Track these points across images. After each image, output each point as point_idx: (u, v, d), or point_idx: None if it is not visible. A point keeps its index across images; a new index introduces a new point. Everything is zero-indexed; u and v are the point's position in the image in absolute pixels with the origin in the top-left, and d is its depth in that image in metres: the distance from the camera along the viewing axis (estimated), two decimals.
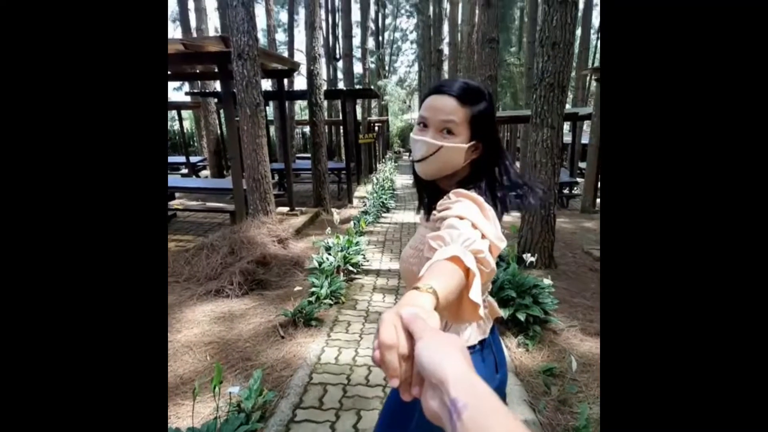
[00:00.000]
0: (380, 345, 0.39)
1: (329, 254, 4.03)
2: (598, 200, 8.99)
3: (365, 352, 2.71)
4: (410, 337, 0.40)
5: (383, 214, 7.65)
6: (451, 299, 0.53)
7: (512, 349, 2.69)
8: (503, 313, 2.82)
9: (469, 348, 0.89)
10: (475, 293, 0.56)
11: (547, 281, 2.88)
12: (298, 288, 3.26)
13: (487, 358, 0.92)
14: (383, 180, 9.72)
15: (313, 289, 3.38)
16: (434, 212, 0.80)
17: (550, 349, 2.69)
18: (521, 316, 2.76)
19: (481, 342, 0.91)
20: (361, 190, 10.43)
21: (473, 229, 0.67)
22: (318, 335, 2.92)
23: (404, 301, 0.47)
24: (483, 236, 0.68)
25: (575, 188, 9.69)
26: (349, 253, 4.16)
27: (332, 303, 3.40)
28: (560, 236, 4.48)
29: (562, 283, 3.74)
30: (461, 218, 0.69)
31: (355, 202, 8.78)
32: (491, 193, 0.85)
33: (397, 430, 0.97)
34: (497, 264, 0.79)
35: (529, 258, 3.00)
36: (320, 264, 3.82)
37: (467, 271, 0.57)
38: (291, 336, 2.91)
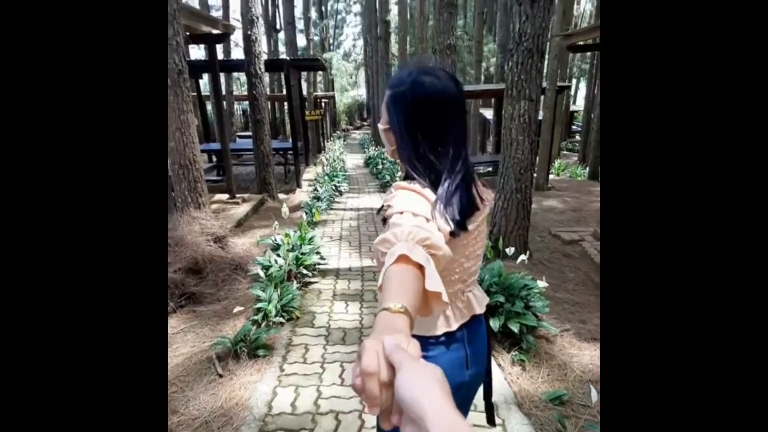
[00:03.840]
0: (362, 372, 0.37)
1: (278, 255, 3.38)
2: (551, 176, 8.93)
3: (331, 391, 2.13)
4: (391, 366, 0.39)
5: (336, 199, 7.00)
6: (419, 306, 0.53)
7: (507, 368, 2.25)
8: (492, 325, 2.36)
9: (431, 338, 0.88)
10: (432, 283, 0.55)
11: (541, 283, 2.45)
12: (238, 308, 2.59)
13: (454, 352, 0.89)
14: (334, 160, 9.01)
15: (259, 304, 2.73)
16: (384, 205, 0.79)
17: (549, 363, 2.28)
18: (514, 327, 2.31)
19: (447, 334, 0.88)
20: (311, 172, 9.64)
21: (415, 218, 0.67)
22: (267, 369, 2.30)
23: (381, 324, 0.47)
24: (428, 220, 0.68)
25: None
26: (302, 253, 3.52)
27: (284, 320, 2.78)
28: None
29: (540, 274, 3.37)
30: (401, 213, 0.69)
31: (305, 185, 8.02)
32: (433, 183, 0.78)
33: None
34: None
35: (520, 257, 2.55)
36: (267, 269, 3.16)
37: (419, 266, 0.56)
38: (231, 373, 2.27)
